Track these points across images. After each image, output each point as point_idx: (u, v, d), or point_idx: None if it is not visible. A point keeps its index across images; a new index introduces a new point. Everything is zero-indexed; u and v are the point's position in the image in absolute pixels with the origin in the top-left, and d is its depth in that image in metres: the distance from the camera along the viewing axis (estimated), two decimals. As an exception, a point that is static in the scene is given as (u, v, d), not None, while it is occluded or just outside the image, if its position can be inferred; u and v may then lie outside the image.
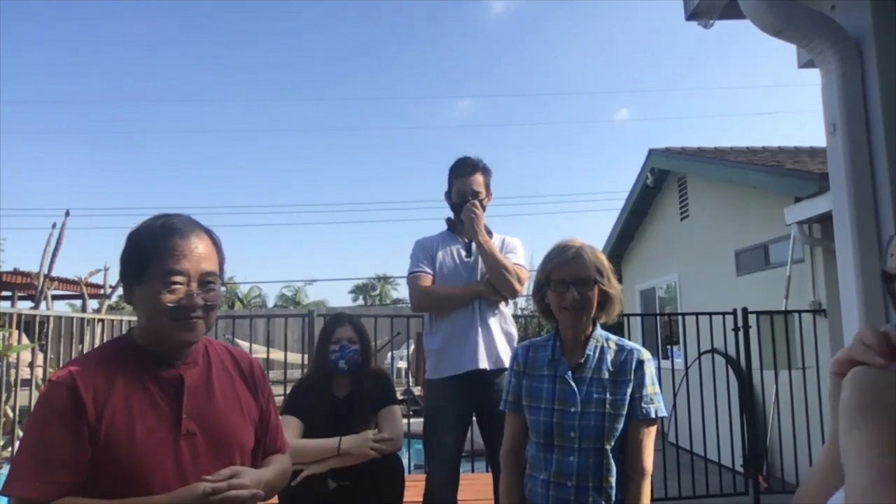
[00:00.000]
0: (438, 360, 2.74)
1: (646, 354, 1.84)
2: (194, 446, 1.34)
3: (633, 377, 1.78)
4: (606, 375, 1.79)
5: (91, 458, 1.25)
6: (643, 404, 1.77)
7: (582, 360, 1.81)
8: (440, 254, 2.82)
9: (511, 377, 1.92)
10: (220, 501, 1.27)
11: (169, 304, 1.30)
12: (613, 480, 1.74)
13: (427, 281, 2.78)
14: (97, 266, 11.39)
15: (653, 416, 1.77)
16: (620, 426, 1.76)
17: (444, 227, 2.96)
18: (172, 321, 1.31)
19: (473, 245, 2.82)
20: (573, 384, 1.78)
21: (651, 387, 1.79)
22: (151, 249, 1.32)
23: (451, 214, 2.90)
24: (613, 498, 1.74)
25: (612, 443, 1.74)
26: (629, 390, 1.77)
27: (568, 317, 1.81)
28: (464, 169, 2.82)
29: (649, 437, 1.78)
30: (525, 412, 1.85)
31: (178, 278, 1.31)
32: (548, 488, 1.75)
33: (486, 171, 2.86)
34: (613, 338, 1.88)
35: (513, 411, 1.90)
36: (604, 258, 1.86)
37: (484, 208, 2.83)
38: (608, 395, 1.76)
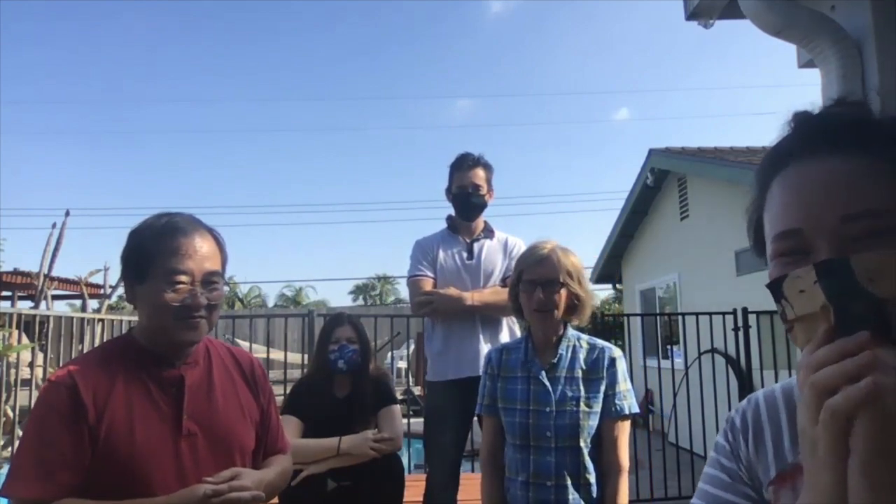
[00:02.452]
0: (439, 362, 2.73)
1: (617, 352, 1.86)
2: (195, 447, 1.33)
3: (605, 375, 1.81)
4: (579, 374, 1.82)
5: (91, 459, 1.24)
6: (616, 401, 1.80)
7: (555, 360, 1.83)
8: (441, 255, 2.78)
9: (485, 380, 1.94)
10: (221, 503, 1.26)
11: (173, 304, 1.29)
12: (592, 477, 1.76)
13: (427, 284, 2.75)
14: (97, 266, 11.41)
15: (626, 412, 1.80)
16: (595, 423, 1.78)
17: (444, 225, 2.92)
18: (176, 320, 1.31)
19: (475, 246, 2.79)
20: (547, 384, 1.80)
21: (623, 384, 1.82)
22: (155, 248, 1.31)
23: (451, 212, 2.87)
24: (593, 495, 1.75)
25: (588, 440, 1.77)
26: (602, 388, 1.80)
27: (536, 318, 1.83)
28: (464, 162, 2.77)
29: (623, 433, 1.81)
30: (500, 414, 1.87)
31: (182, 277, 1.31)
32: (527, 490, 1.76)
33: (487, 167, 2.81)
34: (585, 337, 1.91)
35: (488, 415, 1.92)
36: (576, 261, 1.88)
37: (486, 204, 2.80)
38: (582, 394, 1.79)
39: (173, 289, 1.30)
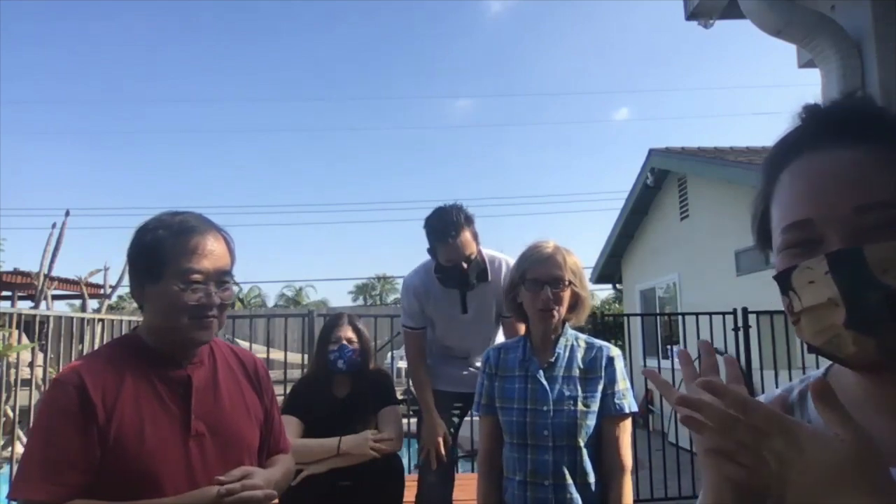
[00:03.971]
0: (434, 375, 2.74)
1: (615, 351, 1.85)
2: (203, 447, 1.33)
3: (603, 374, 1.80)
4: (577, 373, 1.81)
5: (100, 460, 1.23)
6: (616, 400, 1.79)
7: (552, 359, 1.82)
8: (433, 307, 2.66)
9: (483, 380, 1.93)
10: (234, 502, 1.26)
11: (190, 304, 1.29)
12: (590, 477, 1.75)
13: (419, 340, 2.72)
14: (97, 266, 11.40)
15: (626, 411, 1.79)
16: (593, 423, 1.77)
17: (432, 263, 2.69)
18: (191, 320, 1.30)
19: (469, 297, 2.62)
20: (545, 382, 1.79)
21: (622, 382, 1.82)
22: (170, 248, 1.30)
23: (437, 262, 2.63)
24: (592, 494, 1.74)
25: (586, 439, 1.76)
26: (600, 387, 1.79)
27: (540, 317, 1.82)
28: (446, 235, 2.43)
29: (625, 432, 1.80)
30: (499, 413, 1.86)
31: (198, 277, 1.31)
32: (525, 489, 1.75)
33: (469, 223, 2.48)
34: (583, 336, 1.90)
35: (486, 414, 1.91)
36: (577, 261, 1.88)
37: (480, 265, 2.55)
38: (580, 393, 1.78)
39: (191, 288, 1.29)
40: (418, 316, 2.68)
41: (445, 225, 2.44)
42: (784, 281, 0.60)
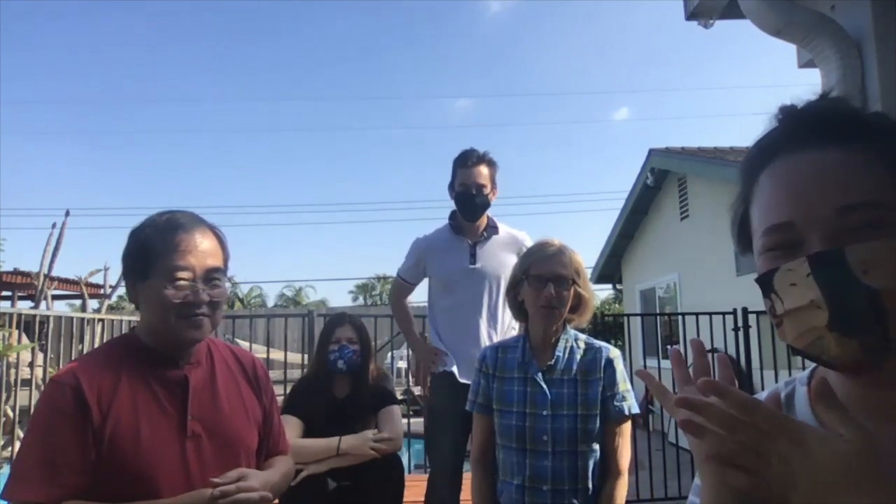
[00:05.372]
0: (443, 356, 2.71)
1: (614, 352, 1.81)
2: (200, 448, 1.32)
3: (602, 376, 1.76)
4: (577, 376, 1.77)
5: (96, 460, 1.23)
6: (615, 402, 1.75)
7: (552, 362, 1.78)
8: (442, 258, 2.75)
9: (479, 378, 1.90)
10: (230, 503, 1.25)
11: (175, 301, 1.28)
12: (589, 481, 1.72)
13: (405, 290, 2.94)
14: (97, 266, 11.39)
15: (626, 413, 1.76)
16: (595, 426, 1.73)
17: (447, 220, 2.86)
18: (179, 318, 1.29)
19: (478, 249, 2.74)
20: (544, 386, 1.76)
21: (623, 384, 1.78)
22: (156, 246, 1.30)
23: (454, 208, 2.82)
24: (591, 499, 1.72)
25: (588, 443, 1.72)
26: (600, 389, 1.75)
27: (542, 315, 1.78)
28: (468, 159, 2.72)
29: (623, 436, 1.77)
30: (496, 416, 1.83)
31: (184, 274, 1.29)
32: (523, 494, 1.73)
33: (491, 164, 2.75)
34: (582, 337, 1.86)
35: (479, 413, 1.89)
36: (581, 261, 1.85)
37: (489, 203, 2.75)
38: (579, 396, 1.74)
39: (175, 286, 1.28)
40: (413, 270, 2.86)
41: (468, 153, 2.75)
42: (766, 283, 0.60)
